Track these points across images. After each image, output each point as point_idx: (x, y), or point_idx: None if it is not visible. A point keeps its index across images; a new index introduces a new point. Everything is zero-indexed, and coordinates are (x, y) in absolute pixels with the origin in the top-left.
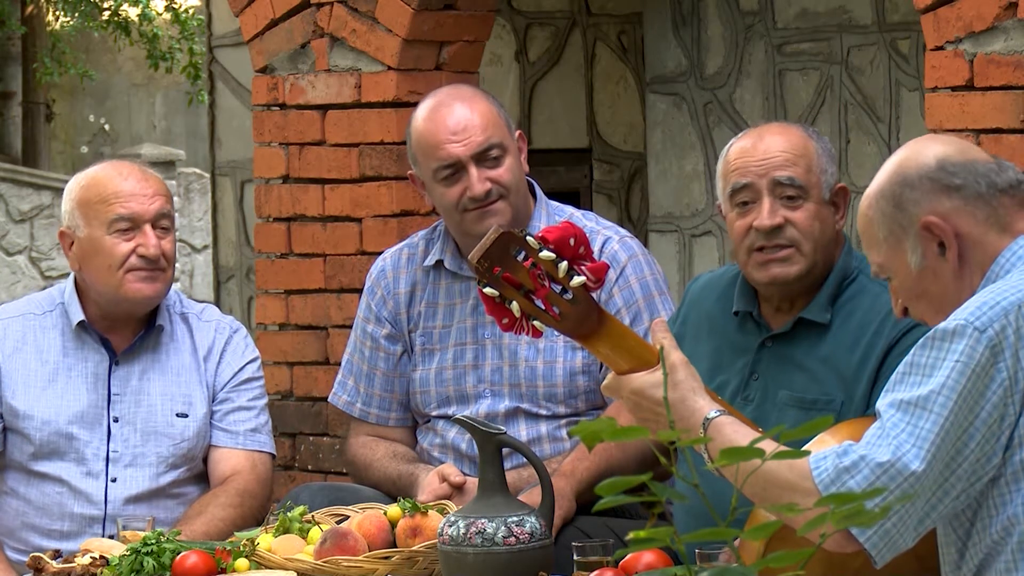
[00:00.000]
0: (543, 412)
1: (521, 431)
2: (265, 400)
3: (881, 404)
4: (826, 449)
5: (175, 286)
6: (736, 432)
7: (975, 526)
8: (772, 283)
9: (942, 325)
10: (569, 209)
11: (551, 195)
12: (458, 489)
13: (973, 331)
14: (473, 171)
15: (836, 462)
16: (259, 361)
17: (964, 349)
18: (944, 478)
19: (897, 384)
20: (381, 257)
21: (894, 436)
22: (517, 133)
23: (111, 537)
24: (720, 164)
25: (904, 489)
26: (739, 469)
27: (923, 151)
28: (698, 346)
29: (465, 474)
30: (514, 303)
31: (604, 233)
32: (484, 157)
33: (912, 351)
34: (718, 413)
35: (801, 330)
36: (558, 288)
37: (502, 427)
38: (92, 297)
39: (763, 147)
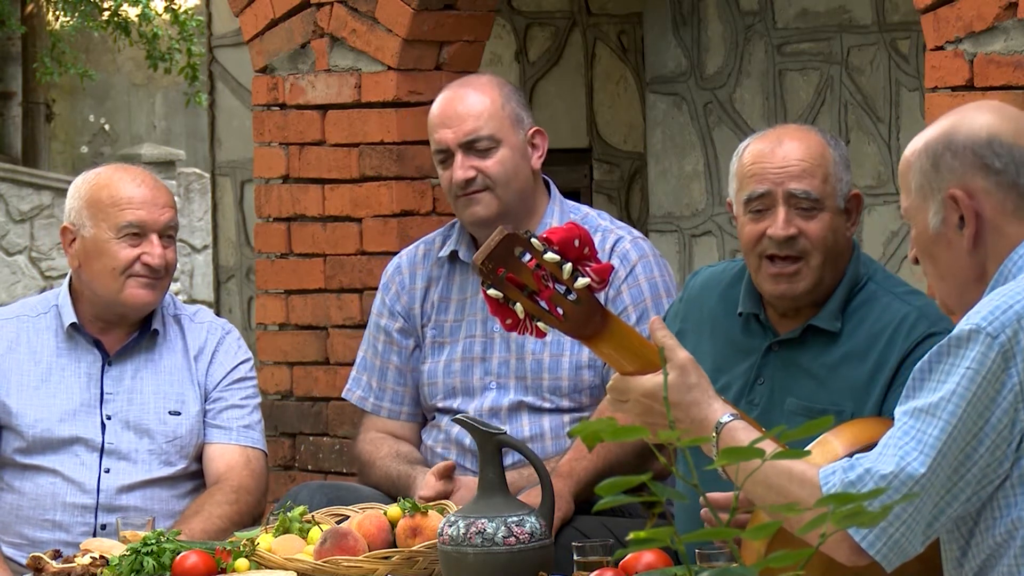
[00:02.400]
0: (547, 405)
1: (524, 425)
2: (258, 400)
3: (897, 412)
4: (835, 464)
5: (174, 286)
6: (750, 438)
7: (978, 526)
8: (780, 298)
9: (955, 332)
10: (585, 209)
11: None
12: (449, 478)
13: (985, 337)
14: (458, 158)
15: (843, 477)
16: (251, 362)
17: (976, 356)
18: (952, 483)
19: (914, 391)
20: (398, 255)
21: (901, 445)
22: (533, 130)
23: (104, 527)
24: (734, 164)
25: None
26: (747, 479)
27: (978, 119)
28: (701, 344)
29: (468, 468)
30: (518, 304)
31: (617, 232)
32: (471, 146)
33: (927, 356)
34: (732, 417)
35: (810, 337)
36: (562, 289)
37: (503, 425)
38: (87, 298)
39: (781, 153)
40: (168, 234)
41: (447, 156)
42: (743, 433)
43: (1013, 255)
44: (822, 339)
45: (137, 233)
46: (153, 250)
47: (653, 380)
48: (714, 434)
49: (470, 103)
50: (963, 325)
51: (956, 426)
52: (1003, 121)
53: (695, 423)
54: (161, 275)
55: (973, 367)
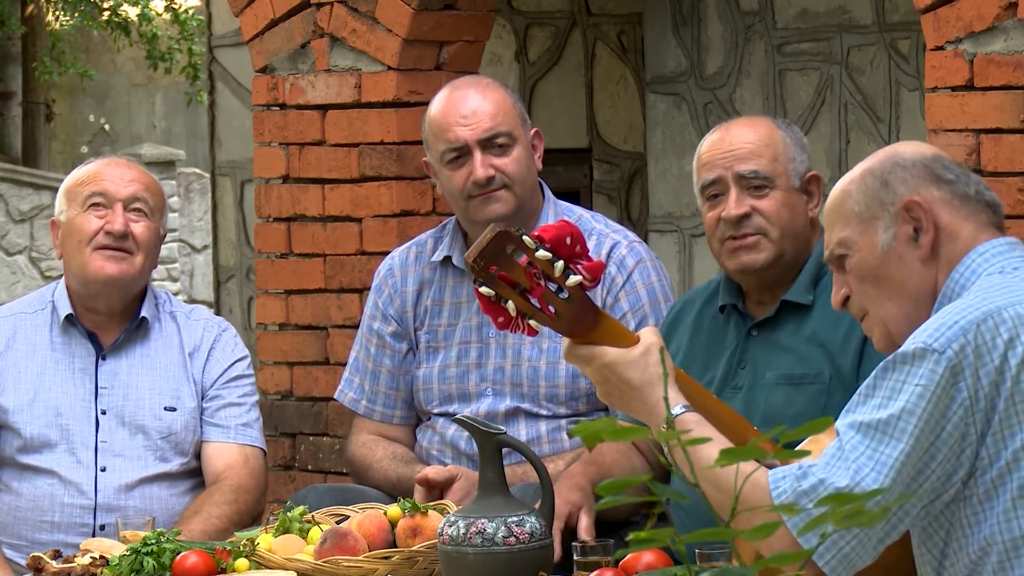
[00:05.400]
0: (543, 412)
1: (520, 431)
2: (256, 398)
3: (840, 424)
4: (785, 468)
5: (174, 286)
6: (702, 431)
7: (949, 546)
8: (743, 271)
9: (902, 349)
10: (579, 210)
11: (554, 195)
12: (449, 485)
13: (932, 353)
14: (478, 155)
15: (795, 484)
16: (248, 360)
17: (924, 372)
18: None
19: (858, 405)
20: (389, 256)
21: (853, 460)
22: (533, 131)
23: (103, 528)
24: (695, 159)
25: None
26: (698, 475)
27: (921, 145)
28: (687, 349)
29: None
30: (510, 302)
31: (613, 237)
32: (490, 144)
33: (874, 373)
34: (684, 409)
35: (785, 313)
36: (554, 287)
37: (502, 427)
38: (74, 289)
39: (729, 139)
40: (135, 207)
41: (461, 154)
42: (696, 426)
43: (954, 274)
44: (797, 313)
45: (101, 204)
46: (115, 217)
47: (615, 352)
48: (664, 424)
49: (483, 101)
50: (909, 344)
51: (909, 443)
52: (938, 149)
53: (646, 407)
54: (127, 248)
55: (923, 383)
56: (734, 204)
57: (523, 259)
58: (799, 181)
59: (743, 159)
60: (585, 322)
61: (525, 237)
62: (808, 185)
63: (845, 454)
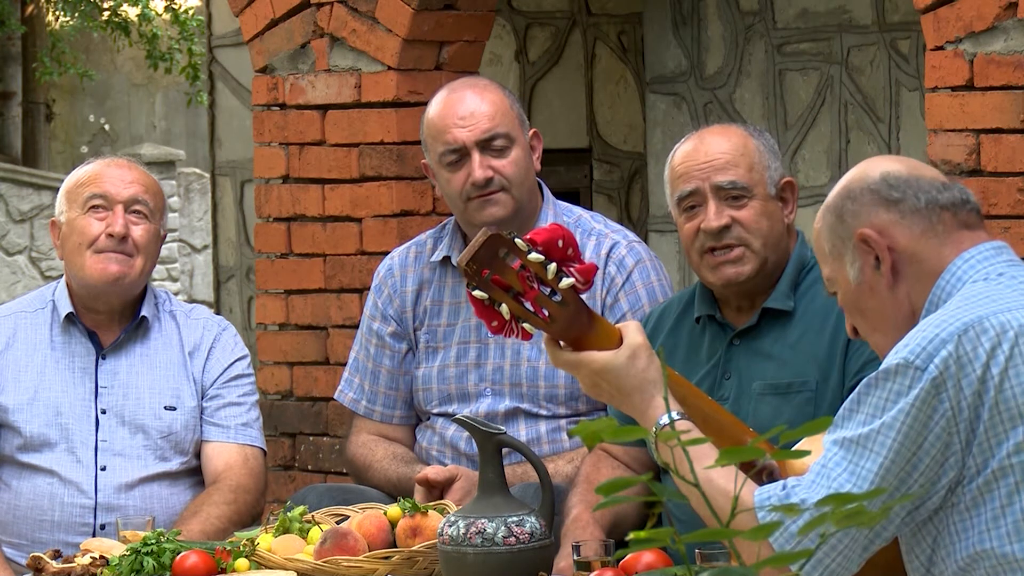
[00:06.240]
0: (543, 412)
1: (520, 431)
2: (256, 397)
3: (826, 440)
4: (770, 488)
5: (174, 286)
6: (691, 437)
7: (937, 553)
8: (727, 285)
9: (885, 364)
10: (578, 211)
11: (553, 195)
12: (449, 485)
13: (915, 371)
14: (476, 157)
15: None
16: (248, 359)
17: (904, 389)
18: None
19: (845, 421)
20: (389, 256)
21: (834, 477)
22: (531, 132)
23: (103, 527)
24: (667, 169)
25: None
26: (688, 488)
27: (871, 167)
28: (671, 358)
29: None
30: (503, 306)
31: (612, 237)
32: (488, 145)
33: (858, 389)
34: (678, 416)
35: (766, 321)
36: (547, 290)
37: (502, 427)
38: (74, 289)
39: (704, 150)
40: (135, 209)
41: (460, 156)
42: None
43: (940, 281)
44: (778, 321)
45: (102, 206)
46: (115, 220)
47: (603, 357)
48: (654, 430)
49: (481, 102)
50: (891, 359)
51: (890, 458)
52: (896, 163)
53: (636, 411)
54: (127, 250)
55: (904, 398)
56: (714, 216)
57: (516, 263)
58: (775, 188)
59: (720, 169)
60: (578, 325)
61: (517, 240)
62: (783, 192)
63: (827, 471)
